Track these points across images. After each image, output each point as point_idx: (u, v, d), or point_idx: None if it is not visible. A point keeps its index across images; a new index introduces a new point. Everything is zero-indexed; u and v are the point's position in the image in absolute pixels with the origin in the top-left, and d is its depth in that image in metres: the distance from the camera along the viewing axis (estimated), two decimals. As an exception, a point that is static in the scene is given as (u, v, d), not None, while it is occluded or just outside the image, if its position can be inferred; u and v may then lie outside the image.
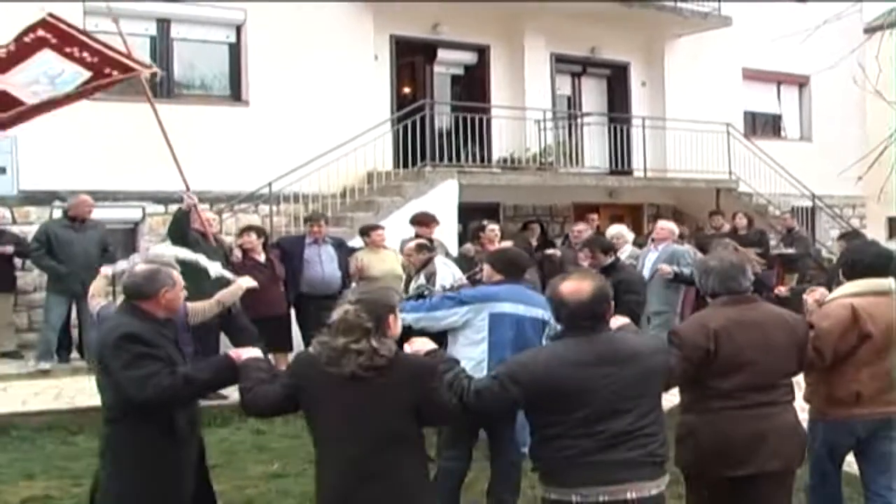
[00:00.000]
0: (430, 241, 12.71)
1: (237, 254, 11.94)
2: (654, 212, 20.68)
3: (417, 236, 12.66)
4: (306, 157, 15.33)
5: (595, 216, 18.02)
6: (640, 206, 21.31)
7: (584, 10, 19.32)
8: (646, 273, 12.27)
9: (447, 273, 10.51)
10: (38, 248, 12.56)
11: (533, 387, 4.81)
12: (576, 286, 4.97)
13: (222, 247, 11.74)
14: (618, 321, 5.51)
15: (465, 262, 11.33)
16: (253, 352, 5.44)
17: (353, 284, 12.39)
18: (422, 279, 10.35)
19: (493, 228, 12.92)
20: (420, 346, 5.22)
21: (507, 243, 11.96)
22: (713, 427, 5.56)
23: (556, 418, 4.83)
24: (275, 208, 15.49)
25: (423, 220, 13.06)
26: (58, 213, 13.64)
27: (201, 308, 7.88)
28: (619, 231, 12.96)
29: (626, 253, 12.39)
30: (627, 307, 8.77)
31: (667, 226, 13.08)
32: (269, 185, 15.15)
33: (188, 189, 11.17)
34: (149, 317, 5.54)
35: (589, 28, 20.51)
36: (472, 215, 16.63)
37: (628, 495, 4.78)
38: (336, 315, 4.77)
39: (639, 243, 14.60)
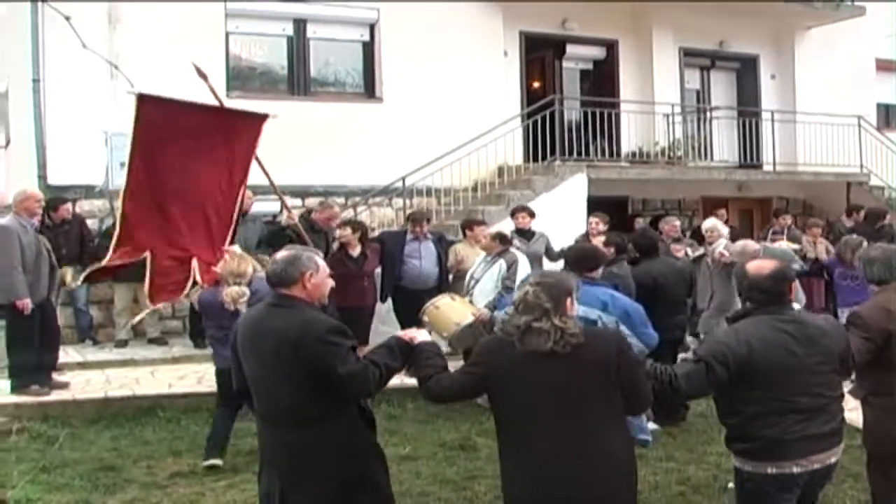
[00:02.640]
0: (532, 231, 13.39)
1: (335, 246, 12.38)
2: (783, 205, 20.42)
3: (518, 229, 13.27)
4: (438, 151, 15.62)
5: (723, 211, 18.10)
6: (769, 199, 21.12)
7: (712, 3, 19.26)
8: None
9: (526, 264, 11.16)
10: None
11: (734, 364, 5.16)
12: (759, 264, 5.54)
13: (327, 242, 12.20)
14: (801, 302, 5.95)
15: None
16: (423, 334, 5.50)
17: (451, 277, 12.88)
18: (503, 267, 10.95)
19: (591, 221, 13.46)
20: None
21: (601, 238, 12.12)
22: None
23: (757, 395, 5.20)
24: (408, 202, 15.84)
25: (515, 211, 13.82)
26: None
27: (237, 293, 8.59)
28: (713, 225, 13.02)
29: (720, 247, 12.35)
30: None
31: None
32: (403, 179, 15.53)
33: (289, 209, 11.58)
34: (309, 304, 5.34)
35: (717, 21, 20.45)
36: (601, 209, 16.76)
37: (832, 460, 5.36)
38: (517, 295, 5.02)
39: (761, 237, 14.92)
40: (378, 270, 12.81)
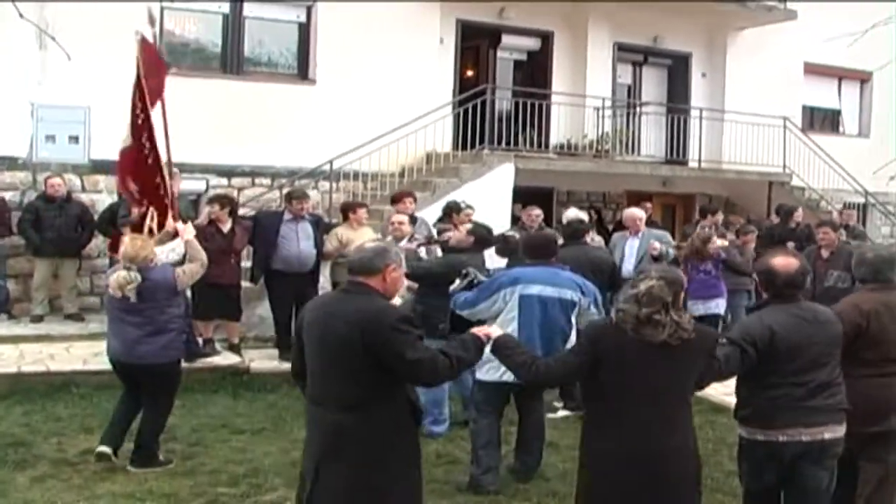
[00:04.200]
0: (414, 217, 13.07)
1: (202, 219, 12.22)
2: (705, 202, 20.76)
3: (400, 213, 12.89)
4: (368, 136, 15.71)
5: (648, 204, 18.41)
6: (692, 195, 21.50)
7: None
8: (630, 259, 13.11)
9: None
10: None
11: (763, 346, 5.80)
12: (786, 261, 6.10)
13: None
14: None
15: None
16: (497, 330, 5.81)
17: (330, 262, 12.78)
18: (422, 252, 11.02)
19: (468, 212, 13.41)
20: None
21: (468, 225, 12.22)
22: (858, 390, 6.32)
23: (773, 368, 5.85)
24: (334, 185, 15.92)
25: (401, 196, 13.61)
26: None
27: (190, 272, 8.59)
28: (575, 215, 13.38)
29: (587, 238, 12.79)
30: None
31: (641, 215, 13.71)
32: (331, 162, 15.58)
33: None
34: (382, 295, 5.45)
35: (652, 17, 20.74)
36: (527, 199, 16.99)
37: (825, 436, 5.90)
38: (643, 286, 5.33)
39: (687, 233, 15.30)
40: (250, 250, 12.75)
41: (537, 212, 14.31)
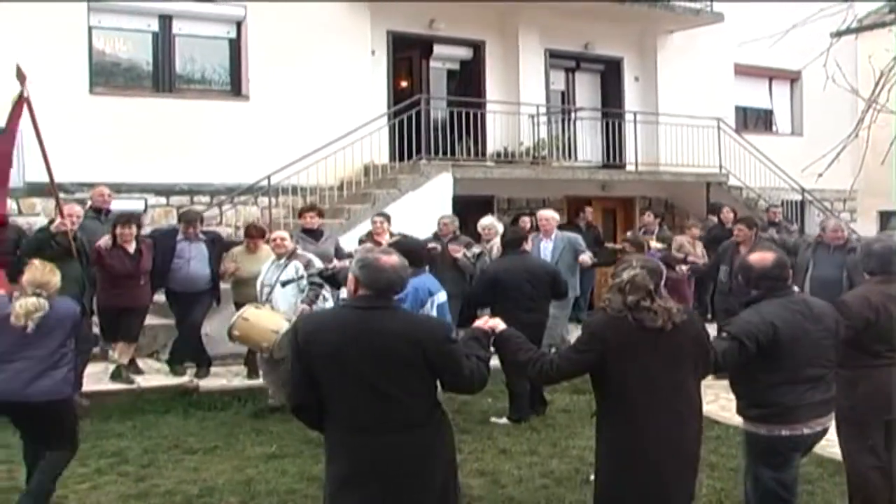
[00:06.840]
0: (320, 231, 13.24)
1: (106, 239, 11.70)
2: (645, 205, 20.96)
3: (305, 229, 13.04)
4: (305, 150, 15.61)
5: (588, 209, 18.51)
6: (632, 199, 21.59)
7: (577, 5, 19.60)
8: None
9: (319, 263, 11.00)
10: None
11: (763, 340, 5.91)
12: (761, 256, 6.33)
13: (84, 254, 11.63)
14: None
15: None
16: (501, 322, 5.61)
17: (223, 283, 12.59)
18: (300, 269, 10.87)
19: (375, 220, 13.45)
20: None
21: (387, 237, 12.12)
22: (869, 380, 6.76)
23: (776, 365, 5.97)
24: (274, 200, 15.78)
25: (303, 211, 13.55)
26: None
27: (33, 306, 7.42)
28: (490, 222, 13.56)
29: (497, 244, 12.79)
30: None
31: (552, 215, 13.69)
32: (269, 178, 15.46)
33: (62, 215, 11.34)
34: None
35: (582, 24, 20.82)
36: (466, 208, 16.95)
37: (828, 425, 6.26)
38: (626, 275, 5.42)
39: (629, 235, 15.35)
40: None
41: (446, 220, 14.08)
